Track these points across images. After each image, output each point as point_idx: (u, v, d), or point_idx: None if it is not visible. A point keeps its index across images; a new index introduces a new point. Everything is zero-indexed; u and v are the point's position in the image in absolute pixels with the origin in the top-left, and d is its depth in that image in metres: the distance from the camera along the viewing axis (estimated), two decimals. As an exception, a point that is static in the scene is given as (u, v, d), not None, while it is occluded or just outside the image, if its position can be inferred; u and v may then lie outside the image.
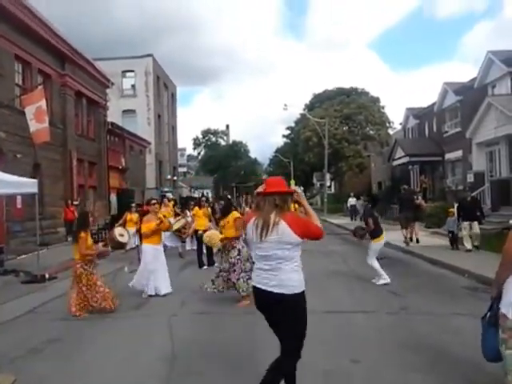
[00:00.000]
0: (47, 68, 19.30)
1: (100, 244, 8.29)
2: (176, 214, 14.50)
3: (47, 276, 10.56)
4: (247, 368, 4.82)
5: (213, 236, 7.89)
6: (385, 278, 9.05)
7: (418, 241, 15.21)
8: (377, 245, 9.33)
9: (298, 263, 3.55)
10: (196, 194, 46.16)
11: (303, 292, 3.55)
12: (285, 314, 3.50)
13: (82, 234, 7.28)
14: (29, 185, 11.21)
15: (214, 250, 11.43)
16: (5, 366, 5.06)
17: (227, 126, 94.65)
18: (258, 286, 3.58)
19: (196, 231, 12.25)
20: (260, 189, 3.69)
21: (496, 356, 3.58)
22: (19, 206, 15.61)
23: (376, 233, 9.29)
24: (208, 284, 7.76)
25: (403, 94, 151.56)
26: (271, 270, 3.49)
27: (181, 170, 63.13)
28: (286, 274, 3.46)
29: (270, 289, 3.48)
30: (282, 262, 3.46)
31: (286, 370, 3.58)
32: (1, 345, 5.90)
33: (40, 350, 5.65)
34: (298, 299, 3.52)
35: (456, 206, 14.09)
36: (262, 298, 3.58)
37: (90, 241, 7.45)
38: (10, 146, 15.92)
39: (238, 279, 7.52)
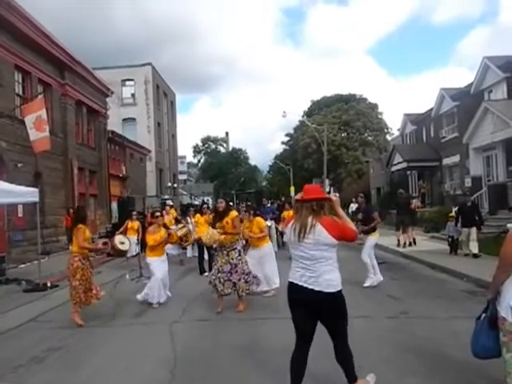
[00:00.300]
0: (47, 77, 19.42)
1: (100, 241, 8.20)
2: (176, 221, 14.52)
3: (49, 284, 10.59)
4: (249, 374, 4.86)
5: (212, 234, 7.67)
6: (375, 278, 9.19)
7: (414, 242, 15.43)
8: (373, 240, 9.53)
9: (335, 263, 3.87)
10: (196, 201, 46.17)
11: (341, 290, 3.85)
12: (326, 311, 3.82)
13: (80, 226, 7.29)
14: (30, 194, 11.24)
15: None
16: (7, 375, 5.11)
17: (227, 134, 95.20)
18: (298, 282, 3.86)
19: (198, 238, 12.26)
20: (298, 196, 4.00)
21: (486, 355, 3.72)
22: (20, 215, 15.67)
23: (372, 228, 9.55)
24: (212, 289, 7.71)
25: (401, 100, 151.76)
26: (309, 270, 3.79)
27: (181, 177, 63.14)
28: (323, 273, 3.76)
29: (310, 286, 3.77)
30: (319, 262, 3.76)
31: (344, 347, 3.97)
32: (3, 353, 5.94)
33: (42, 358, 5.68)
34: (337, 296, 3.82)
35: (454, 210, 14.15)
36: (300, 294, 3.87)
37: (87, 234, 7.41)
38: (11, 155, 16.01)
39: (240, 279, 7.49)
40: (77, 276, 7.17)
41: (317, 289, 3.74)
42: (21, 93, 17.71)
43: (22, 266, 13.72)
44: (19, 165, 16.22)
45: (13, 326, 7.34)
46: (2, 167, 15.38)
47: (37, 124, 14.39)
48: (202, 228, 12.28)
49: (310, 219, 3.77)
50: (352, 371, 4.01)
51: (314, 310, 3.84)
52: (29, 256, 14.52)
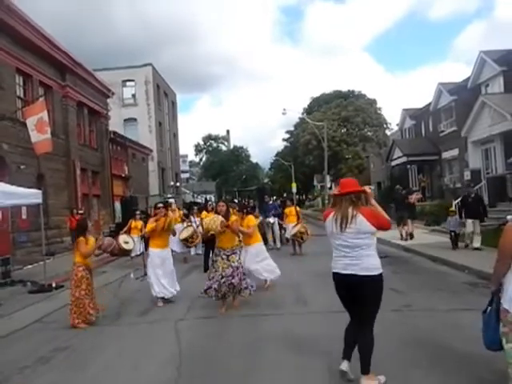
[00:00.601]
0: (48, 80, 19.48)
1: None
2: (183, 219, 14.58)
3: (54, 285, 10.65)
4: (253, 371, 4.90)
5: (216, 220, 7.45)
6: None
7: (412, 236, 15.54)
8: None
9: (375, 249, 4.20)
10: (199, 200, 46.22)
11: (381, 274, 4.14)
12: (367, 292, 4.10)
13: (81, 238, 7.33)
14: (33, 195, 11.28)
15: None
16: (14, 376, 5.14)
17: (228, 132, 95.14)
18: (342, 271, 4.17)
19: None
20: (335, 190, 4.30)
21: (497, 347, 3.73)
22: (24, 216, 15.75)
23: None
24: (211, 293, 7.56)
25: (399, 95, 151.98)
26: (352, 257, 4.09)
27: (183, 176, 63.29)
28: (365, 258, 4.07)
29: (353, 272, 4.07)
30: (361, 249, 4.07)
31: (367, 334, 4.20)
32: (9, 355, 6.00)
33: (48, 358, 5.71)
34: (379, 279, 4.12)
35: (455, 203, 14.10)
36: (345, 281, 4.16)
37: (90, 245, 7.43)
38: (13, 157, 16.08)
39: (239, 283, 7.51)
40: (82, 286, 7.19)
41: (360, 273, 4.04)
42: (22, 95, 17.77)
43: (27, 267, 13.79)
44: (22, 167, 16.29)
45: (19, 328, 7.39)
46: (5, 169, 15.44)
47: (38, 126, 14.43)
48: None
49: (350, 210, 4.06)
50: (367, 362, 4.16)
51: (358, 293, 4.12)
52: (33, 257, 14.60)
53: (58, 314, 7.99)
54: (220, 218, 7.43)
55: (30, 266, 13.87)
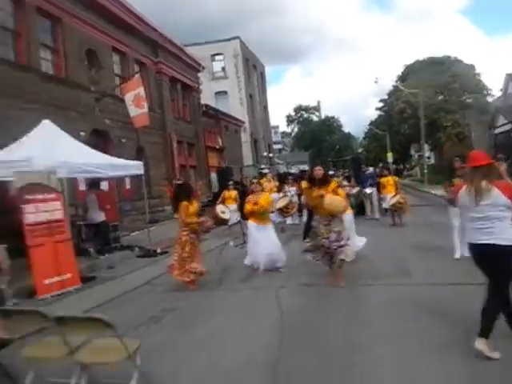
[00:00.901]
0: (142, 57, 20.16)
1: (202, 218, 8.13)
2: (279, 189, 14.58)
3: (159, 251, 11.22)
4: (354, 341, 4.73)
5: (335, 201, 6.95)
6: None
7: None
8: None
9: (510, 221, 4.12)
10: (293, 170, 46.24)
11: None
12: (501, 261, 4.07)
13: (184, 202, 7.41)
14: (135, 167, 11.76)
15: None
16: (129, 333, 5.26)
17: (318, 102, 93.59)
18: (478, 242, 4.16)
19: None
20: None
21: None
22: (128, 186, 16.48)
23: None
24: (318, 257, 7.25)
25: (501, 59, 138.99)
26: (488, 229, 4.07)
27: (276, 146, 63.46)
28: (501, 230, 4.03)
29: (489, 241, 4.05)
30: (498, 221, 4.05)
31: (491, 301, 4.12)
32: (124, 313, 6.29)
33: (159, 318, 6.00)
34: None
35: None
36: (481, 250, 4.18)
37: (191, 209, 7.46)
38: (115, 131, 16.90)
39: (346, 241, 7.10)
40: (186, 249, 7.40)
41: (495, 242, 4.00)
42: (119, 73, 18.52)
43: (133, 234, 14.53)
44: (123, 140, 17.10)
45: (130, 289, 7.85)
46: (110, 143, 16.27)
47: (136, 101, 14.97)
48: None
49: (484, 183, 4.05)
50: (487, 327, 4.03)
51: (492, 262, 4.11)
52: (138, 225, 15.40)
53: (165, 278, 8.26)
54: (341, 201, 7.04)
55: (134, 234, 14.59)
